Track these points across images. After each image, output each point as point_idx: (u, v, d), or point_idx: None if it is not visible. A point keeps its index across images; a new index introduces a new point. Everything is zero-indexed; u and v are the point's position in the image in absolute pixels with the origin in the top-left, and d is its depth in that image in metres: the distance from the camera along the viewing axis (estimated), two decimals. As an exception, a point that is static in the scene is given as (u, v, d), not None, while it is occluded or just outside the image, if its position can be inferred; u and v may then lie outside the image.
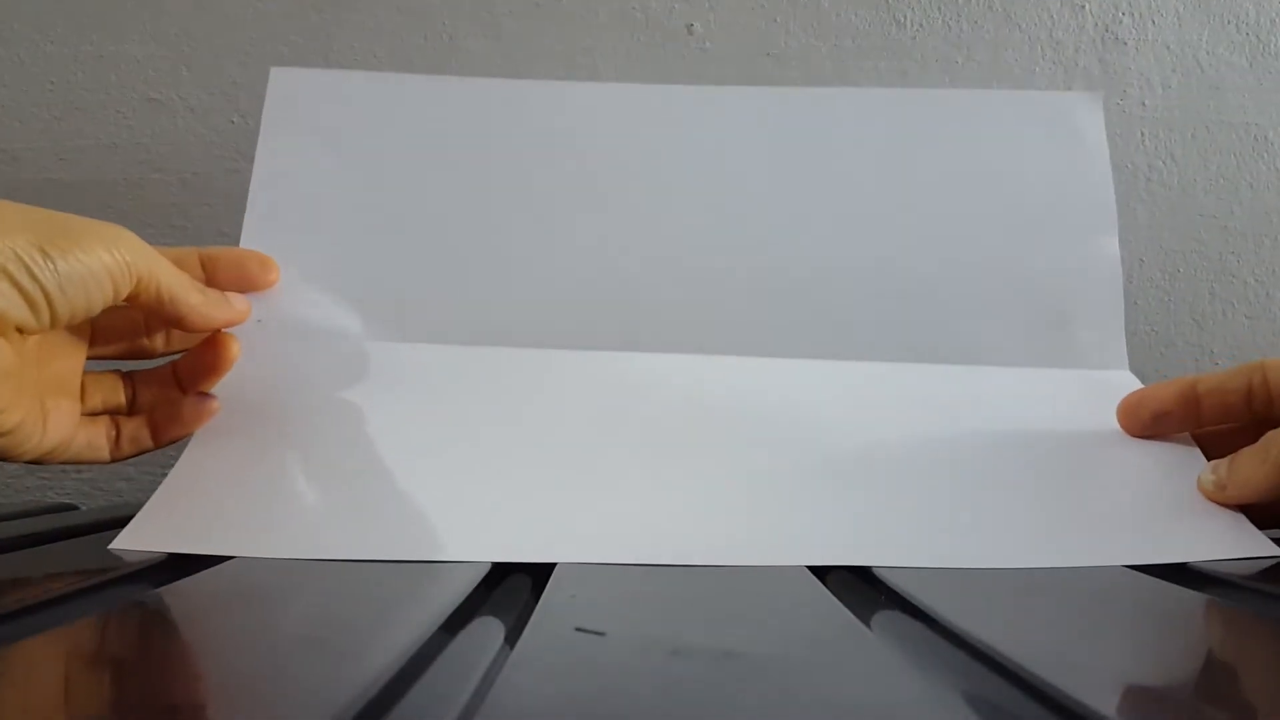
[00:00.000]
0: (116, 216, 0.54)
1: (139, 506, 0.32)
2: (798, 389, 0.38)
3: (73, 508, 0.46)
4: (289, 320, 0.38)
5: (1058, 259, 0.41)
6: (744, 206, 0.41)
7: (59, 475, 0.53)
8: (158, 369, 0.37)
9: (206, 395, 0.36)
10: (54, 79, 0.54)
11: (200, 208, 0.53)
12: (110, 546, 0.29)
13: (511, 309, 0.39)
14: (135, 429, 0.35)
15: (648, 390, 0.37)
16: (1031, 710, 0.17)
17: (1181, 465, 0.33)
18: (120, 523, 0.32)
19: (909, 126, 0.42)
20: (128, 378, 0.37)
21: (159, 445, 0.36)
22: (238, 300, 0.36)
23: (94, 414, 0.35)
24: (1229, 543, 0.30)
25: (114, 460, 0.35)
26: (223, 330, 0.36)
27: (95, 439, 0.34)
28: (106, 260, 0.29)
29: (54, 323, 0.29)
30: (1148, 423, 0.34)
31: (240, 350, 0.36)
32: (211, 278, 0.36)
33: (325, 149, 0.41)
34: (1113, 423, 0.35)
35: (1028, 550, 0.30)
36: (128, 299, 0.31)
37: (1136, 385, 0.39)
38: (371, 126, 0.42)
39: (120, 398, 0.36)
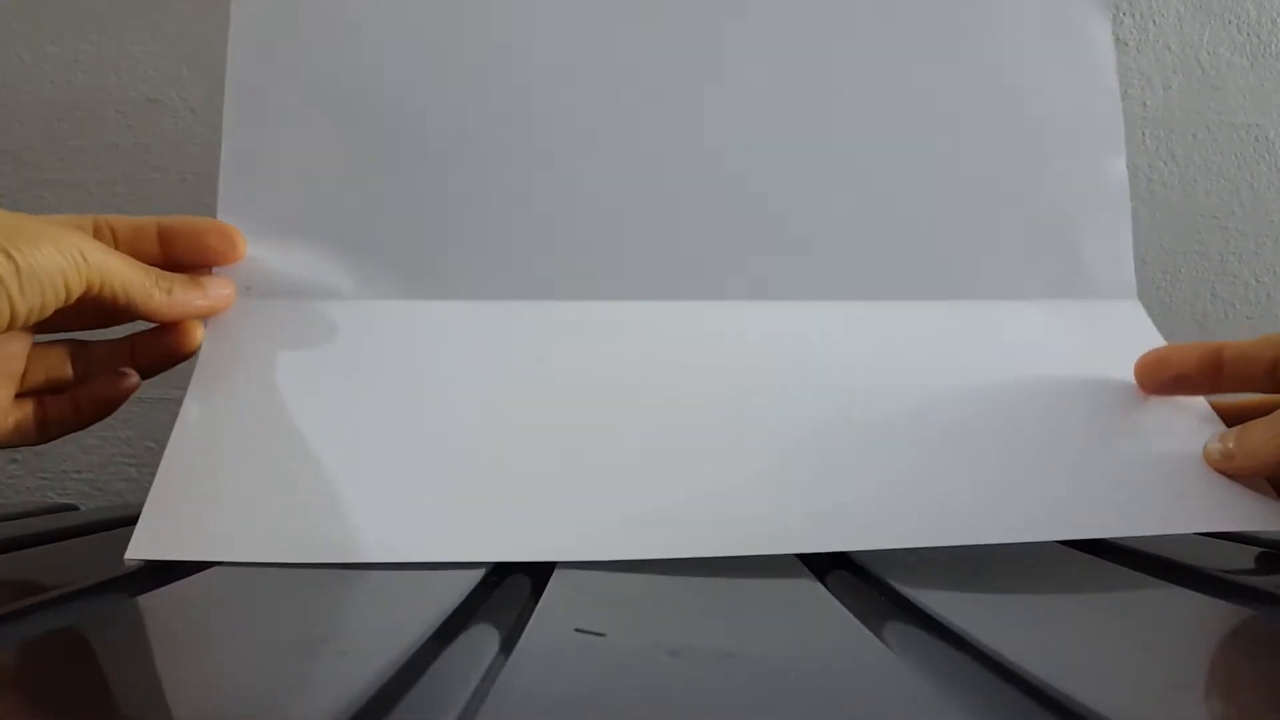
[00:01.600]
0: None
1: (139, 507, 0.31)
2: (798, 335, 0.36)
3: (73, 508, 0.46)
4: (275, 286, 0.36)
5: (1064, 177, 0.40)
6: (739, 128, 0.39)
7: (59, 476, 0.53)
8: (115, 343, 0.35)
9: (123, 373, 0.35)
10: (55, 79, 0.54)
11: (201, 207, 0.53)
12: (126, 558, 0.28)
13: (506, 253, 0.38)
14: (60, 410, 0.34)
15: (637, 344, 0.36)
16: (1032, 711, 0.17)
17: (1197, 431, 0.33)
18: (120, 523, 0.32)
19: (909, 28, 0.40)
20: (80, 349, 0.35)
21: (83, 426, 0.34)
22: (217, 286, 0.35)
23: (36, 390, 0.34)
24: (1247, 512, 0.30)
25: (41, 442, 0.34)
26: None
27: (24, 422, 0.33)
28: (61, 262, 0.29)
29: (10, 326, 0.29)
30: (1166, 383, 0.34)
31: (204, 336, 0.35)
32: (168, 251, 0.34)
33: (299, 77, 0.38)
34: (1122, 365, 0.35)
35: (1035, 523, 0.30)
36: (80, 299, 0.30)
37: (1144, 316, 0.38)
38: (348, 46, 0.39)
39: (67, 371, 0.34)
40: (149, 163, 0.53)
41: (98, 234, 0.34)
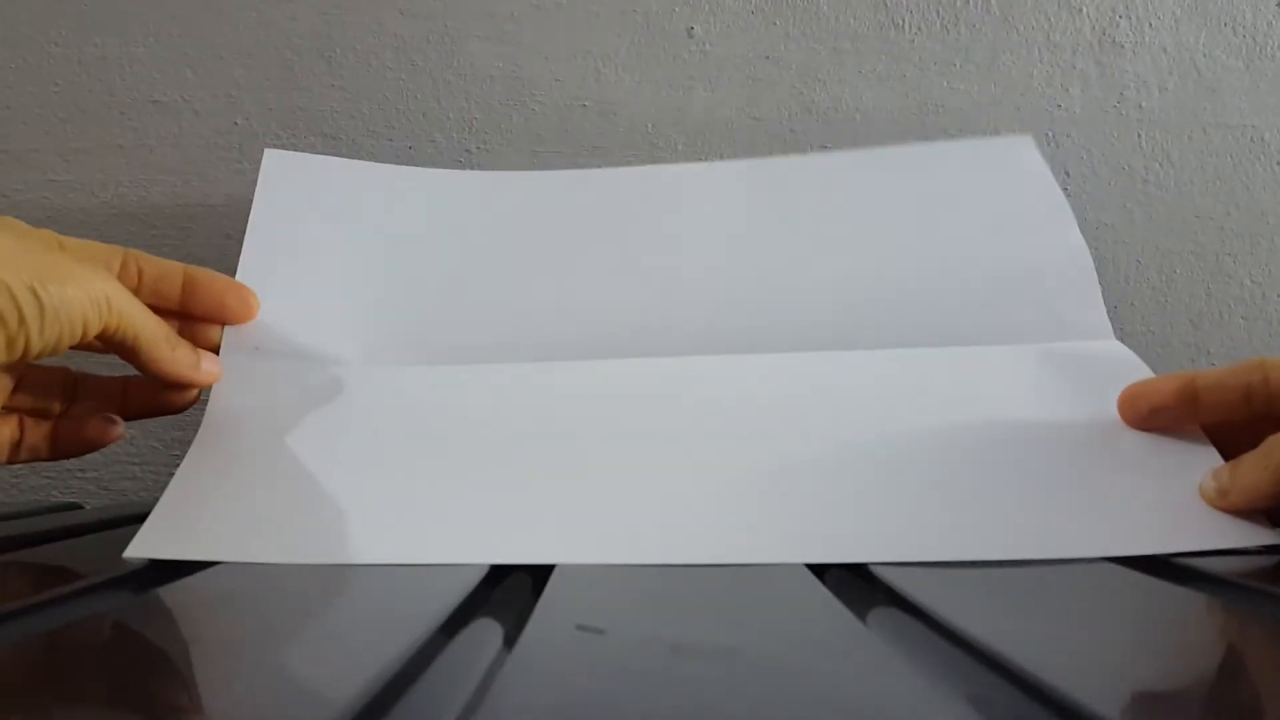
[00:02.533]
0: (122, 218, 0.54)
1: (143, 505, 0.32)
2: (786, 382, 0.38)
3: (77, 506, 0.46)
4: (286, 348, 0.38)
5: (1027, 253, 0.43)
6: (722, 269, 0.43)
7: (64, 475, 0.53)
8: (108, 381, 0.36)
9: (113, 420, 0.36)
10: (58, 81, 0.54)
11: (204, 209, 0.54)
12: (125, 555, 0.29)
13: (503, 324, 0.41)
14: (37, 438, 0.34)
15: (640, 392, 0.37)
16: (1028, 708, 0.17)
17: (1185, 454, 0.33)
18: (125, 521, 0.33)
19: (870, 180, 0.45)
20: (72, 380, 0.36)
21: (54, 459, 0.35)
22: (209, 363, 0.36)
23: (19, 410, 0.34)
24: (1232, 532, 0.30)
25: (7, 463, 0.34)
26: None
27: None
28: (85, 304, 0.29)
29: (24, 358, 0.29)
30: (1145, 416, 0.34)
31: (215, 387, 0.36)
32: (188, 301, 0.36)
33: (318, 229, 0.43)
34: (1107, 397, 0.35)
35: (1026, 542, 0.30)
36: (97, 336, 0.31)
37: (1127, 353, 0.39)
38: (359, 211, 0.44)
39: (55, 399, 0.35)
40: (153, 164, 0.54)
41: (124, 270, 0.35)
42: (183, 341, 0.35)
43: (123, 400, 0.36)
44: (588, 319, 0.41)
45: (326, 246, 0.42)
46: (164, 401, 0.36)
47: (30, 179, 0.54)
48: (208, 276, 0.37)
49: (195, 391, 0.36)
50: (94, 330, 0.30)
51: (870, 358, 0.39)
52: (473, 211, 0.45)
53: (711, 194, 0.45)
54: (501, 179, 0.46)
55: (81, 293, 0.29)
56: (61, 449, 0.35)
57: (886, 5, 0.54)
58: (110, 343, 0.32)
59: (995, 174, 0.45)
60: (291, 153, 0.45)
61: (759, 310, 0.42)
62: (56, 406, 0.35)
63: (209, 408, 0.36)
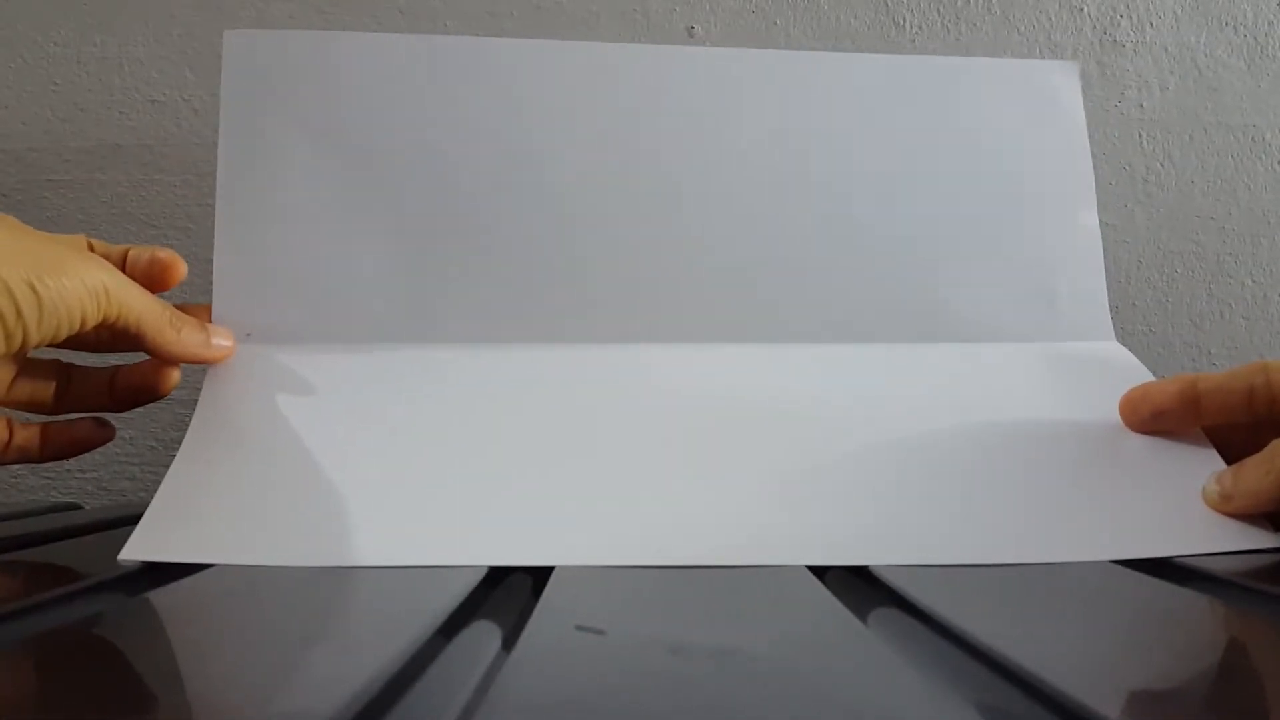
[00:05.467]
0: (120, 218, 0.54)
1: (143, 506, 0.31)
2: (789, 377, 0.37)
3: (77, 507, 0.46)
4: (276, 331, 0.37)
5: (1039, 231, 0.41)
6: (724, 178, 0.41)
7: (63, 475, 0.53)
8: (98, 372, 0.36)
9: (104, 422, 0.35)
10: (58, 80, 0.54)
11: (203, 209, 0.54)
12: (119, 558, 0.29)
13: (497, 302, 0.39)
14: (26, 437, 0.34)
15: (639, 385, 0.37)
16: (1027, 707, 0.17)
17: (1187, 457, 0.33)
18: (124, 522, 0.32)
19: (890, 92, 0.42)
20: (65, 373, 0.35)
21: (42, 460, 0.35)
22: (220, 338, 0.35)
23: (13, 404, 0.34)
24: (1234, 535, 0.30)
25: None
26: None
27: None
28: (83, 295, 0.29)
29: (21, 350, 0.29)
30: (1147, 419, 0.34)
31: (207, 376, 0.35)
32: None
33: (290, 120, 0.39)
34: (1108, 400, 0.35)
35: (1028, 546, 0.30)
36: (99, 326, 0.31)
37: (1127, 355, 0.39)
38: (335, 90, 0.39)
39: (49, 393, 0.35)
40: (152, 164, 0.54)
41: None
42: (189, 319, 0.34)
43: (111, 388, 0.36)
44: (605, 212, 0.39)
45: (308, 174, 0.39)
46: (153, 385, 0.36)
47: (29, 178, 0.54)
48: (135, 251, 0.35)
49: (178, 373, 0.36)
50: (93, 320, 0.30)
51: (870, 354, 0.38)
52: (471, 85, 0.40)
53: (711, 85, 0.41)
54: (491, 46, 0.40)
55: (79, 283, 0.29)
56: (51, 449, 0.35)
57: (887, 4, 0.54)
58: (113, 331, 0.32)
59: (1022, 113, 0.42)
60: (257, 31, 0.41)
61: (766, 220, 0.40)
62: (51, 397, 0.35)
63: (201, 402, 0.35)
